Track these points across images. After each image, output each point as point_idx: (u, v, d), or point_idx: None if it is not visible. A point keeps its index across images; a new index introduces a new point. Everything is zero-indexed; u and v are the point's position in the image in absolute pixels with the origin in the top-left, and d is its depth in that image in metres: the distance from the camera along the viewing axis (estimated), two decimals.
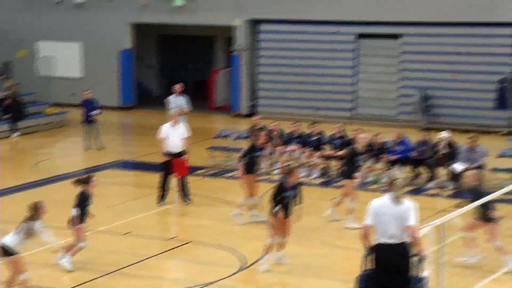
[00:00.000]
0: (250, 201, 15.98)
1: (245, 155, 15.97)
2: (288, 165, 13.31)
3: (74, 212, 13.01)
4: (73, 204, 13.07)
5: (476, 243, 13.45)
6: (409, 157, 19.46)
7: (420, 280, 9.46)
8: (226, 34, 30.81)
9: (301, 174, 19.84)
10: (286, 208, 13.02)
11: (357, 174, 15.61)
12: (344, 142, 20.00)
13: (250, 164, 15.93)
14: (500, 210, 15.94)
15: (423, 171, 19.40)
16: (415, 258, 9.51)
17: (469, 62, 26.08)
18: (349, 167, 15.65)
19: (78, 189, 13.10)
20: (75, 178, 13.34)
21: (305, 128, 20.91)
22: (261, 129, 20.13)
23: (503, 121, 25.34)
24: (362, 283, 9.59)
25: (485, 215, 13.03)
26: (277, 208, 12.93)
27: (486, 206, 12.88)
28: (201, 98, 30.53)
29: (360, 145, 16.03)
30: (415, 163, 19.46)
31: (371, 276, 9.50)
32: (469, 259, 13.32)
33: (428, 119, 26.31)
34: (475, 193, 12.87)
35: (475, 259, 13.32)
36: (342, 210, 15.92)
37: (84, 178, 13.24)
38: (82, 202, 13.05)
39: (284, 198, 12.94)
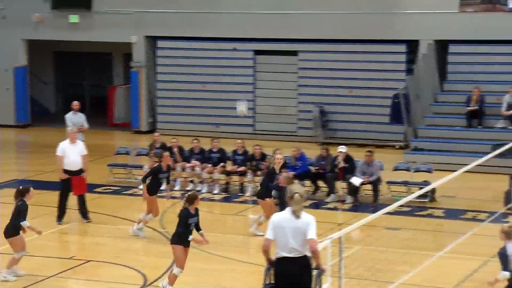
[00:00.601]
0: (147, 217, 16.01)
1: (148, 176, 15.97)
2: (191, 193, 13.26)
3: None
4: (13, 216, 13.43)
5: None
6: (308, 172, 19.82)
7: None
8: (124, 50, 30.70)
9: (203, 190, 20.14)
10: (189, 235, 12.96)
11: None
12: (246, 158, 20.26)
13: (154, 186, 15.94)
14: (396, 222, 16.50)
15: (323, 185, 19.80)
16: (315, 271, 9.75)
17: (365, 78, 26.75)
18: (264, 189, 15.90)
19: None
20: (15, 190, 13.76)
21: (205, 144, 21.05)
22: (166, 148, 20.11)
23: (399, 135, 26.06)
24: None
25: None
26: (191, 237, 12.83)
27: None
28: (100, 115, 30.28)
29: (276, 166, 16.17)
30: (315, 177, 19.85)
31: None
32: None
33: (326, 134, 26.84)
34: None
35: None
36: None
37: (22, 190, 13.67)
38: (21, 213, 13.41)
39: (190, 224, 12.86)
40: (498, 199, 18.61)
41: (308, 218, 9.68)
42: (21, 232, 13.56)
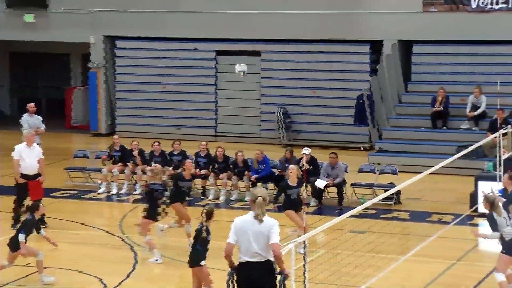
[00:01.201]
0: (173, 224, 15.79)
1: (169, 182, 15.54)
2: (208, 208, 12.17)
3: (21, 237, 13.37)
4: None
5: None
6: (272, 175, 19.77)
7: None
8: (82, 50, 30.43)
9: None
10: None
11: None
12: (209, 160, 20.16)
13: (176, 194, 15.45)
14: (361, 225, 16.53)
15: None
16: (279, 276, 9.70)
17: (329, 79, 26.80)
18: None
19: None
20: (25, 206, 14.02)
21: (166, 147, 20.91)
22: (125, 151, 19.95)
23: (363, 137, 26.14)
24: None
25: None
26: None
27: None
28: (57, 117, 29.98)
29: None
30: (278, 180, 19.79)
31: None
32: None
33: (290, 136, 26.84)
34: None
35: None
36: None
37: (32, 206, 13.85)
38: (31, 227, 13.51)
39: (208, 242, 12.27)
40: (463, 201, 18.72)
41: (271, 221, 9.64)
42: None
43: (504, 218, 12.32)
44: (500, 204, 12.56)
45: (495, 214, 12.28)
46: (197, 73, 28.33)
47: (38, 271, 13.63)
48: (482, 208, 16.69)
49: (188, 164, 16.17)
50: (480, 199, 15.59)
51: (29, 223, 13.58)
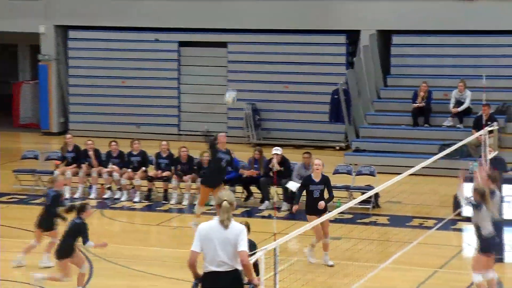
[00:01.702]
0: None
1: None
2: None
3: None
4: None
5: None
6: (240, 176, 19.86)
7: None
8: (31, 41, 30.33)
9: (122, 198, 20.05)
10: None
11: None
12: (171, 162, 20.21)
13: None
14: (337, 230, 16.66)
15: (256, 191, 19.85)
16: (247, 287, 9.78)
17: (302, 72, 26.95)
18: None
19: None
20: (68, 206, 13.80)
21: (125, 147, 20.93)
22: (80, 152, 19.93)
23: (339, 135, 26.30)
24: None
25: None
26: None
27: None
28: (4, 115, 29.85)
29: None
30: (247, 182, 19.90)
31: None
32: None
33: (259, 134, 26.94)
34: None
35: None
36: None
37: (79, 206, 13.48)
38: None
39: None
40: (446, 204, 18.95)
41: (238, 228, 9.70)
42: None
43: (491, 214, 12.56)
44: (493, 200, 12.86)
45: (484, 207, 12.53)
46: (158, 66, 28.37)
47: (78, 283, 13.54)
48: (466, 211, 16.95)
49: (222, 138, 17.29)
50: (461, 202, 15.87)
51: (82, 227, 13.29)
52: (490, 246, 12.58)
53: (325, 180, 15.28)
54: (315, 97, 26.64)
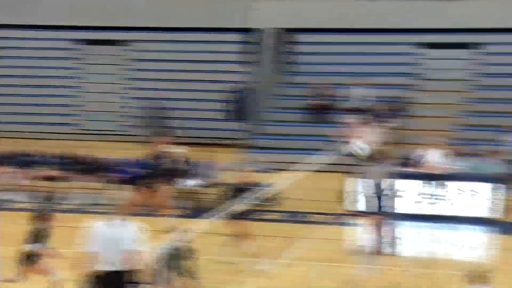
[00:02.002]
0: None
1: None
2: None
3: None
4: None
5: None
6: (137, 175, 19.82)
7: None
8: None
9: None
10: None
11: None
12: (69, 161, 20.10)
13: None
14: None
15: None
16: (139, 286, 9.83)
17: (200, 70, 27.01)
18: None
19: None
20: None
21: (20, 147, 20.67)
22: None
23: (237, 132, 26.44)
24: None
25: None
26: None
27: None
28: None
29: None
30: (140, 180, 19.86)
31: None
32: None
33: (159, 132, 26.83)
34: None
35: None
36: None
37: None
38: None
39: None
40: (337, 200, 19.30)
41: (131, 227, 9.74)
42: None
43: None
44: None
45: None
46: (58, 65, 28.07)
47: None
48: (360, 206, 17.34)
49: None
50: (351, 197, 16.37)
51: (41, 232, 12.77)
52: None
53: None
54: (214, 95, 26.69)
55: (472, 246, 17.53)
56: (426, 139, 19.96)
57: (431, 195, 18.35)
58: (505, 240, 17.20)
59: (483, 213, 18.35)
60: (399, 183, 17.73)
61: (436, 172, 18.47)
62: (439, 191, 18.32)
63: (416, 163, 19.29)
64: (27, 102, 28.09)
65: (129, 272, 9.71)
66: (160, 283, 10.81)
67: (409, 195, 18.48)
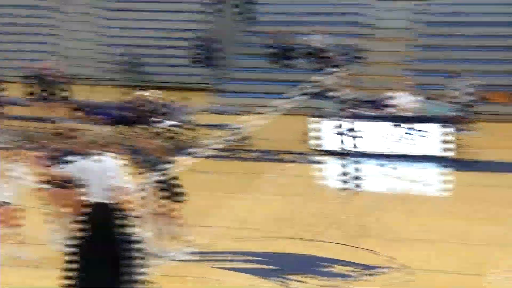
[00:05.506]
0: None
1: None
2: None
3: None
4: None
5: None
6: (121, 117, 19.86)
7: (132, 239, 9.87)
8: None
9: None
10: None
11: None
12: None
13: None
14: (206, 165, 17.00)
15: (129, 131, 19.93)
16: (126, 218, 9.92)
17: (167, 19, 26.98)
18: None
19: None
20: None
21: None
22: None
23: (207, 78, 26.53)
24: (71, 245, 9.89)
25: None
26: None
27: None
28: None
29: None
30: (122, 123, 19.94)
31: (81, 240, 9.81)
32: None
33: (134, 78, 26.87)
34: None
35: None
36: None
37: None
38: None
39: None
40: (304, 140, 19.58)
41: (112, 163, 9.83)
42: None
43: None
44: None
45: None
46: (29, 13, 27.85)
47: None
48: (325, 145, 17.58)
49: None
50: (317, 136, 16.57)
51: None
52: None
53: None
54: (183, 43, 26.67)
55: (428, 181, 17.93)
56: (391, 84, 20.28)
57: (394, 135, 18.65)
58: (457, 175, 17.62)
59: (437, 151, 18.66)
60: (363, 124, 18.05)
61: (403, 114, 18.79)
62: (402, 131, 18.63)
63: (385, 105, 19.57)
64: (4, 48, 27.88)
65: (117, 205, 9.79)
66: (147, 216, 10.96)
67: (372, 135, 18.72)
